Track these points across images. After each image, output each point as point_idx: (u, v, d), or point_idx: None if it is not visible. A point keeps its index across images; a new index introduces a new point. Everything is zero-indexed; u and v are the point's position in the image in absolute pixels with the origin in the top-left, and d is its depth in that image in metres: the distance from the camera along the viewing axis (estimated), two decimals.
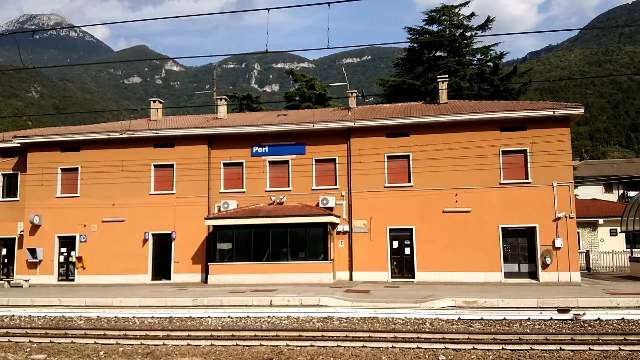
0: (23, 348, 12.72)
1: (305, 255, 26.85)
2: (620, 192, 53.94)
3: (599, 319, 14.72)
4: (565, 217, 26.06)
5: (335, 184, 28.43)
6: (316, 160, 28.79)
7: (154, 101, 35.08)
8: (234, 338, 12.84)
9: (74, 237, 30.05)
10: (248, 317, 16.21)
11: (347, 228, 27.97)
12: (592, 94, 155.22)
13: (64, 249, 30.33)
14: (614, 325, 14.17)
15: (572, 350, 11.16)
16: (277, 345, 12.14)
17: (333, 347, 11.91)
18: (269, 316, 16.20)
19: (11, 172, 31.93)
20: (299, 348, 11.90)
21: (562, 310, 16.04)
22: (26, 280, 27.91)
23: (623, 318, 14.78)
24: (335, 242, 28.03)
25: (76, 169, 30.54)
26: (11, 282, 28.35)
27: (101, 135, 30.38)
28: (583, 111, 26.70)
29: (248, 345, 12.22)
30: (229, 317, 16.31)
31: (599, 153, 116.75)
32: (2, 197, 31.92)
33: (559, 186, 26.20)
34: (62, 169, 30.69)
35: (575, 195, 32.02)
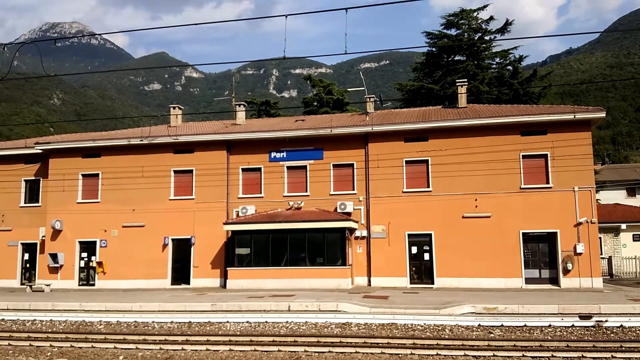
0: (44, 352, 12.87)
1: (323, 261, 26.82)
2: None
3: (621, 325, 14.43)
4: (587, 222, 25.66)
5: (353, 189, 28.37)
6: (334, 166, 28.78)
7: (174, 107, 35.47)
8: (253, 343, 12.85)
9: (95, 242, 30.41)
10: (266, 322, 16.21)
11: (365, 233, 27.87)
12: (613, 97, 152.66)
13: (84, 254, 30.70)
14: (637, 332, 13.88)
15: (594, 358, 10.97)
16: (295, 351, 12.12)
17: (351, 353, 11.86)
18: (287, 321, 16.19)
19: (33, 178, 32.46)
20: (317, 354, 11.87)
21: (584, 316, 15.78)
22: (48, 285, 28.28)
23: None
24: (353, 248, 27.94)
25: (97, 174, 30.92)
26: (33, 286, 28.73)
27: (122, 141, 30.74)
28: (604, 115, 26.36)
29: (266, 351, 12.22)
30: (247, 322, 16.33)
31: (621, 157, 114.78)
32: (25, 203, 32.43)
33: (580, 191, 25.82)
34: (83, 175, 31.10)
35: (597, 200, 31.57)
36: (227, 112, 41.97)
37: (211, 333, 14.84)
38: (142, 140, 30.20)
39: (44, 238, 31.09)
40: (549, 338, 13.23)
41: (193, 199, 29.70)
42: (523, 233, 26.26)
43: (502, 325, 14.80)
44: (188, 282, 29.15)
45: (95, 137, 33.24)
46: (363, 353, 11.81)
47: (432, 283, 26.81)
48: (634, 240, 36.27)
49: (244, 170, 29.76)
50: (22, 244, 32.10)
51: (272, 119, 40.60)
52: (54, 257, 30.13)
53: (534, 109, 28.82)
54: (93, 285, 30.18)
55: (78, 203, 30.76)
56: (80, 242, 30.62)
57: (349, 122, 30.42)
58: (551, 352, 11.36)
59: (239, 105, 35.31)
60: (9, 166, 32.48)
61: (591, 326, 14.55)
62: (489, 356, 11.26)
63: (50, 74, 21.05)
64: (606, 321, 14.83)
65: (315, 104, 51.31)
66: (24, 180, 32.59)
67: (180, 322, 16.70)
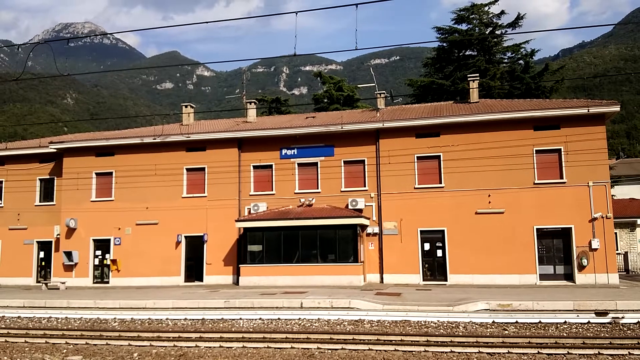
0: (59, 349, 12.98)
1: (335, 257, 26.79)
2: None
3: (639, 322, 14.25)
4: (602, 217, 25.39)
5: (365, 186, 28.30)
6: (345, 162, 28.72)
7: (186, 106, 35.64)
8: (266, 340, 12.86)
9: (109, 240, 30.64)
10: (279, 319, 16.23)
11: (377, 230, 27.79)
12: (628, 91, 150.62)
13: (98, 252, 30.95)
14: None
15: (611, 355, 10.84)
16: (308, 348, 12.11)
17: (364, 350, 11.82)
18: (299, 318, 16.19)
19: (48, 176, 32.76)
20: (330, 351, 11.84)
21: (600, 313, 15.61)
22: (63, 283, 28.56)
23: None
24: (365, 244, 27.89)
25: (110, 173, 31.14)
26: (48, 284, 29.04)
27: (135, 140, 30.91)
28: (619, 108, 26.06)
29: (279, 348, 12.22)
30: (260, 319, 16.36)
31: (636, 151, 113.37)
32: (39, 202, 32.75)
33: (594, 186, 25.55)
34: (96, 174, 31.33)
35: (612, 194, 31.17)
36: (238, 110, 42.03)
37: (224, 330, 14.88)
38: (154, 139, 30.35)
39: (58, 236, 31.39)
40: (565, 335, 13.09)
41: (205, 196, 29.80)
42: (537, 229, 26.03)
43: (516, 322, 14.68)
44: (201, 279, 29.28)
45: (109, 136, 33.45)
46: (376, 350, 11.77)
47: (445, 280, 26.69)
48: None
49: (255, 167, 29.81)
50: (37, 242, 32.44)
51: (282, 116, 40.63)
52: (68, 255, 30.41)
53: (546, 103, 28.54)
54: (107, 282, 30.42)
55: (92, 201, 31.01)
56: (94, 240, 30.87)
57: (360, 118, 30.32)
58: (567, 349, 11.24)
59: (250, 103, 35.38)
60: (24, 165, 32.82)
61: (608, 323, 14.39)
62: (503, 353, 11.17)
63: (64, 73, 21.18)
64: (623, 317, 14.66)
65: (325, 100, 51.22)
66: (39, 179, 32.91)
67: (193, 319, 16.77)
